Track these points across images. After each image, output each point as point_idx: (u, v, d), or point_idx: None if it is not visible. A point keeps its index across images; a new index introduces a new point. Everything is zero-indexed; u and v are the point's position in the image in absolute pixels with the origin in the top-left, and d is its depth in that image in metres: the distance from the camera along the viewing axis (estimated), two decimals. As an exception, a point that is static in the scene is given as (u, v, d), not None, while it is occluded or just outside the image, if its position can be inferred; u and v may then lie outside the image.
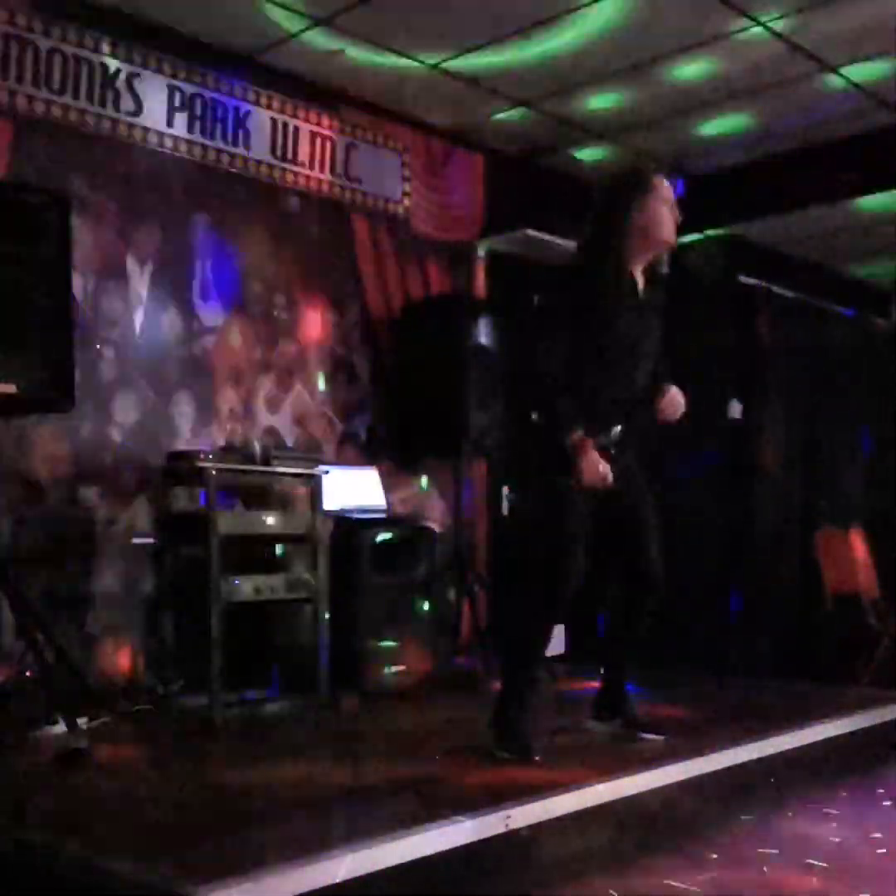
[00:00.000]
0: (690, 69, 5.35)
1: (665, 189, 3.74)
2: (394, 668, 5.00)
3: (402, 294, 5.91)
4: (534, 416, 3.66)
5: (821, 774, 3.92)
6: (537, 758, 3.49)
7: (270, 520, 4.67)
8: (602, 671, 3.94)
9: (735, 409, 7.00)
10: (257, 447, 4.79)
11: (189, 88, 5.06)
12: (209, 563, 4.36)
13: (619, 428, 3.69)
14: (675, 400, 3.81)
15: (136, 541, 4.76)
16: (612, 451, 3.65)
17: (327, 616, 4.70)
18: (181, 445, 4.92)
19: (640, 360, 3.71)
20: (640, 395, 3.76)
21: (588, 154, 6.49)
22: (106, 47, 4.76)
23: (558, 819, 2.98)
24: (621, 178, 3.81)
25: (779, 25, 4.92)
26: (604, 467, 3.49)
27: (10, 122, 4.48)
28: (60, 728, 3.69)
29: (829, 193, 6.37)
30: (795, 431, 7.59)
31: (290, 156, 5.45)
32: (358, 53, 5.19)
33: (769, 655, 6.95)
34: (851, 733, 4.17)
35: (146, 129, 4.91)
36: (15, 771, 3.44)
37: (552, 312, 3.65)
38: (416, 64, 5.32)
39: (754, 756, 3.70)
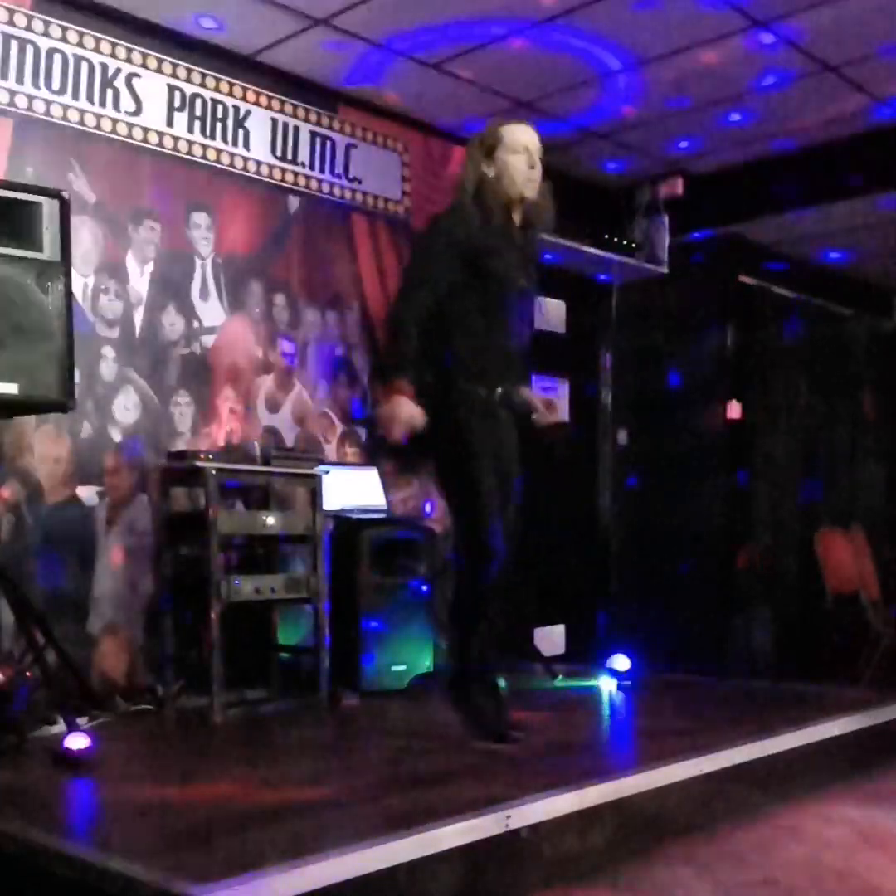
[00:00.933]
0: (690, 69, 5.35)
1: (517, 136, 3.63)
2: (394, 668, 5.00)
3: (402, 294, 5.90)
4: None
5: (821, 774, 3.92)
6: (515, 738, 3.54)
7: (270, 520, 4.68)
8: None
9: (735, 409, 7.00)
10: (257, 447, 4.79)
11: (189, 88, 5.07)
12: (209, 563, 4.36)
13: (504, 387, 3.60)
14: (552, 406, 3.74)
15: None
16: (499, 414, 3.58)
17: (327, 616, 4.71)
18: (181, 445, 4.92)
19: (519, 305, 3.63)
20: (523, 356, 3.69)
21: (588, 154, 6.49)
22: (106, 47, 4.77)
23: (558, 819, 2.97)
24: (478, 134, 3.76)
25: (779, 25, 4.92)
26: (404, 419, 3.32)
27: (9, 122, 4.48)
28: (60, 728, 3.69)
29: (828, 193, 6.37)
30: (795, 431, 7.60)
31: (290, 156, 5.46)
32: (358, 53, 5.19)
33: (769, 655, 6.96)
34: (851, 733, 4.16)
35: (146, 129, 4.91)
36: (15, 771, 3.44)
37: (425, 243, 3.59)
38: (416, 64, 5.32)
39: (754, 756, 3.70)
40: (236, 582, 4.44)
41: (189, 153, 5.07)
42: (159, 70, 4.95)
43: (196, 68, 5.08)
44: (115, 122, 4.81)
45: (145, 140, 4.92)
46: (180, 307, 5.05)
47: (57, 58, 4.60)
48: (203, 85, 5.11)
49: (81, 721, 3.76)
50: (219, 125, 5.17)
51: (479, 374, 3.54)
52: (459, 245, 3.51)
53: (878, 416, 8.09)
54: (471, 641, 3.64)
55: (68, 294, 3.92)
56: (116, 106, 4.81)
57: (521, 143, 3.64)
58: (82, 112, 4.70)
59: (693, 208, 6.84)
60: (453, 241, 3.52)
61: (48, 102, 4.58)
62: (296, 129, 5.48)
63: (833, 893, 2.91)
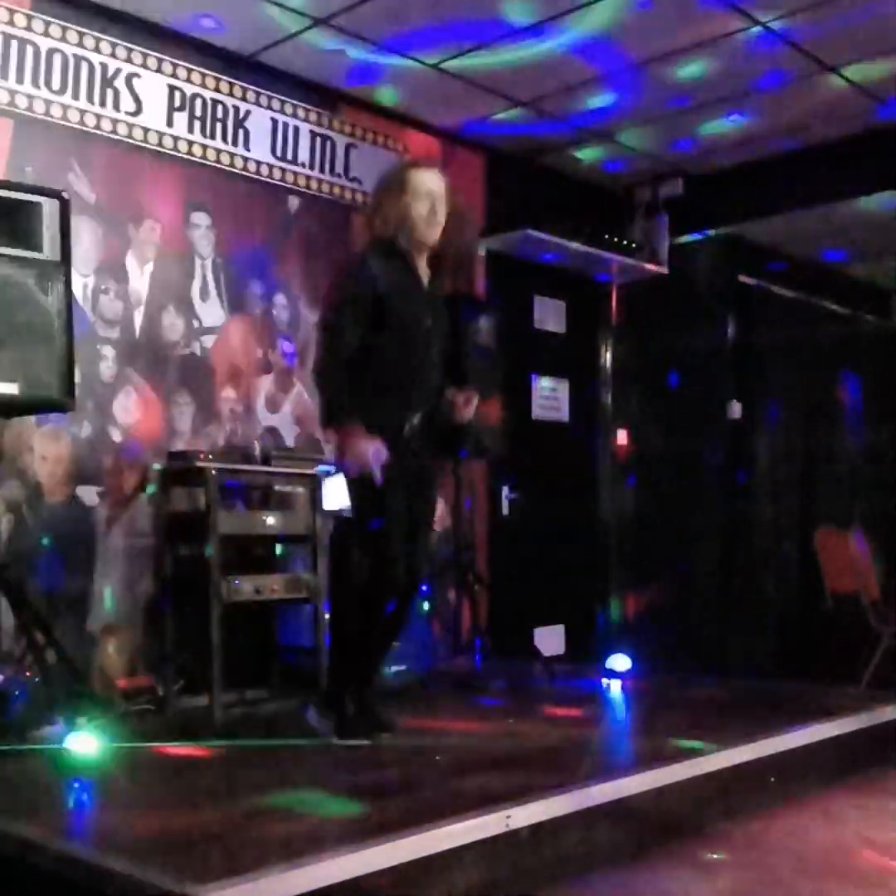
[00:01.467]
0: (690, 69, 5.36)
1: (421, 181, 3.73)
2: (394, 668, 5.00)
3: (402, 294, 5.89)
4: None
5: (821, 774, 3.92)
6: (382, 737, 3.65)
7: (270, 520, 4.68)
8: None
9: (735, 409, 7.00)
10: (257, 447, 4.79)
11: (189, 88, 5.07)
12: (209, 563, 4.36)
13: (416, 418, 3.72)
14: (470, 398, 3.84)
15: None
16: (411, 444, 3.71)
17: (327, 616, 4.70)
18: (181, 445, 4.92)
19: (431, 349, 3.76)
20: (435, 390, 3.81)
21: (588, 154, 6.49)
22: (106, 47, 4.76)
23: (558, 819, 2.97)
24: (384, 176, 3.89)
25: (779, 25, 4.93)
26: (373, 454, 3.51)
27: (9, 122, 4.48)
28: (60, 728, 3.69)
29: (828, 193, 6.37)
30: (795, 431, 7.59)
31: (290, 156, 5.45)
32: (358, 53, 5.20)
33: (769, 655, 6.96)
34: (851, 733, 4.16)
35: (146, 130, 4.91)
36: (15, 771, 3.44)
37: (336, 296, 3.71)
38: (416, 64, 5.32)
39: (754, 756, 3.70)
40: (236, 582, 4.44)
41: (189, 153, 5.07)
42: (159, 70, 4.95)
43: (196, 68, 5.08)
44: (115, 122, 4.81)
45: (145, 140, 4.92)
46: (180, 307, 5.05)
47: (57, 58, 4.60)
48: (203, 85, 5.11)
49: (81, 721, 3.76)
50: (219, 125, 5.17)
51: (389, 409, 3.67)
52: (367, 296, 3.63)
53: (878, 416, 8.09)
54: (357, 658, 3.74)
55: (68, 294, 3.92)
56: (116, 106, 4.81)
57: (425, 189, 3.72)
58: (82, 112, 4.70)
59: (693, 208, 6.84)
60: (361, 293, 3.63)
61: (48, 102, 4.58)
62: (296, 129, 5.48)
63: (833, 894, 2.91)
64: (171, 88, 5.00)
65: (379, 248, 3.73)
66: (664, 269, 6.92)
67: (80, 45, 4.68)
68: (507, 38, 5.05)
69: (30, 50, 4.52)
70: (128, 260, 4.88)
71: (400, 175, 3.79)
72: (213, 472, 4.42)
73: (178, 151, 5.03)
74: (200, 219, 5.15)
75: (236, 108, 5.25)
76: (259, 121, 5.33)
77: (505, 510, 6.48)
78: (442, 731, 4.17)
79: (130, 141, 4.87)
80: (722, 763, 3.56)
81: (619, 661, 5.24)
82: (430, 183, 3.75)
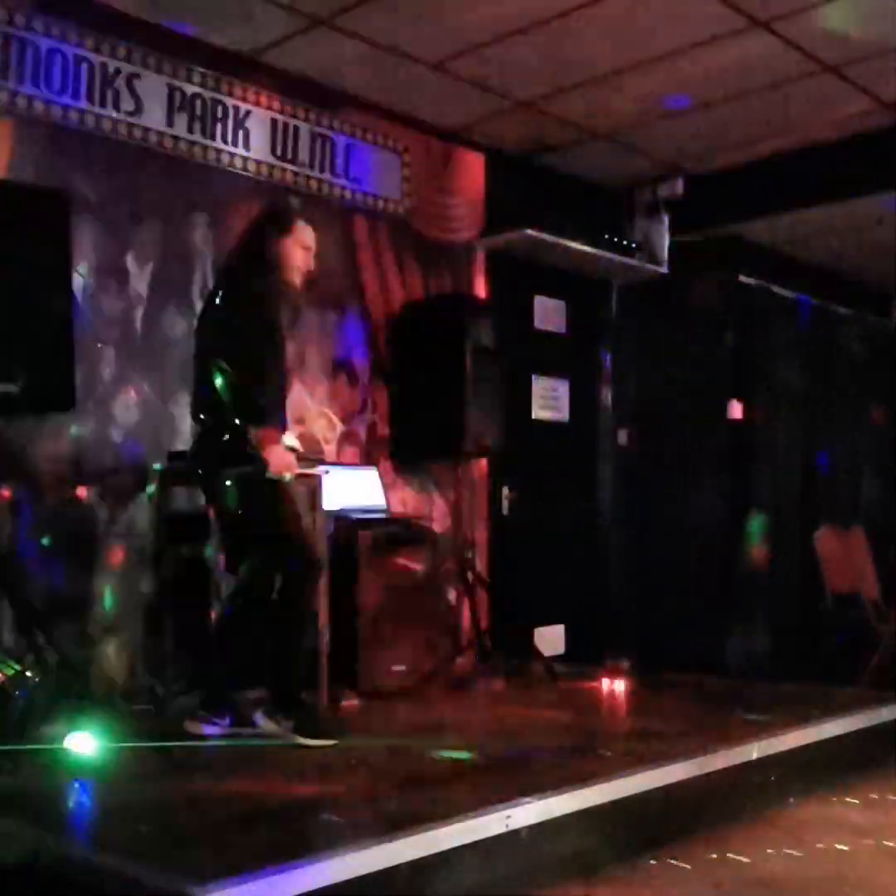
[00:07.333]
0: (690, 69, 5.36)
1: (305, 235, 4.09)
2: (394, 668, 5.00)
3: (402, 294, 5.90)
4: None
5: (821, 774, 3.92)
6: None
7: (270, 520, 4.66)
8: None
9: (735, 409, 7.00)
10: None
11: (189, 88, 5.06)
12: (209, 563, 4.36)
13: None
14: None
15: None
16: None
17: (327, 616, 4.70)
18: (181, 445, 4.91)
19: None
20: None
21: (588, 154, 6.49)
22: (106, 47, 4.76)
23: (558, 819, 2.98)
24: (269, 213, 4.23)
25: (778, 25, 4.93)
26: (291, 457, 3.90)
27: (10, 122, 4.48)
28: (60, 728, 3.69)
29: (829, 193, 6.37)
30: (795, 431, 7.60)
31: (290, 156, 5.45)
32: (358, 53, 5.19)
33: (769, 655, 6.96)
34: (851, 733, 4.17)
35: (146, 129, 4.91)
36: (15, 771, 3.44)
37: (264, 328, 3.94)
38: (416, 64, 5.32)
39: (754, 756, 3.70)
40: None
41: (189, 153, 5.07)
42: (159, 70, 4.95)
43: (196, 68, 5.08)
44: (115, 122, 4.80)
45: (145, 140, 4.92)
46: (180, 307, 5.05)
47: (57, 58, 4.60)
48: (203, 85, 5.11)
49: (81, 721, 3.76)
50: (219, 125, 5.17)
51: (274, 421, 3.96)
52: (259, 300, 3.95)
53: (877, 416, 8.09)
54: (301, 652, 3.92)
55: (68, 294, 3.92)
56: (116, 106, 4.80)
57: (310, 244, 4.09)
58: (82, 112, 4.69)
59: (693, 208, 6.84)
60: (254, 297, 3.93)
61: (48, 102, 4.58)
62: (296, 129, 5.48)
63: (832, 893, 2.91)
64: (171, 88, 5.00)
65: (257, 270, 4.00)
66: (664, 269, 6.92)
67: (80, 45, 4.68)
68: (506, 37, 5.05)
69: (30, 50, 4.52)
70: (128, 260, 4.88)
71: (288, 218, 4.12)
72: (213, 471, 4.41)
73: (179, 151, 5.03)
74: (200, 219, 5.14)
75: (236, 108, 5.24)
76: (259, 121, 5.33)
77: (505, 510, 6.48)
78: (441, 731, 4.17)
79: (130, 141, 4.86)
80: (722, 763, 3.57)
81: (617, 662, 5.24)
82: (311, 238, 4.10)
